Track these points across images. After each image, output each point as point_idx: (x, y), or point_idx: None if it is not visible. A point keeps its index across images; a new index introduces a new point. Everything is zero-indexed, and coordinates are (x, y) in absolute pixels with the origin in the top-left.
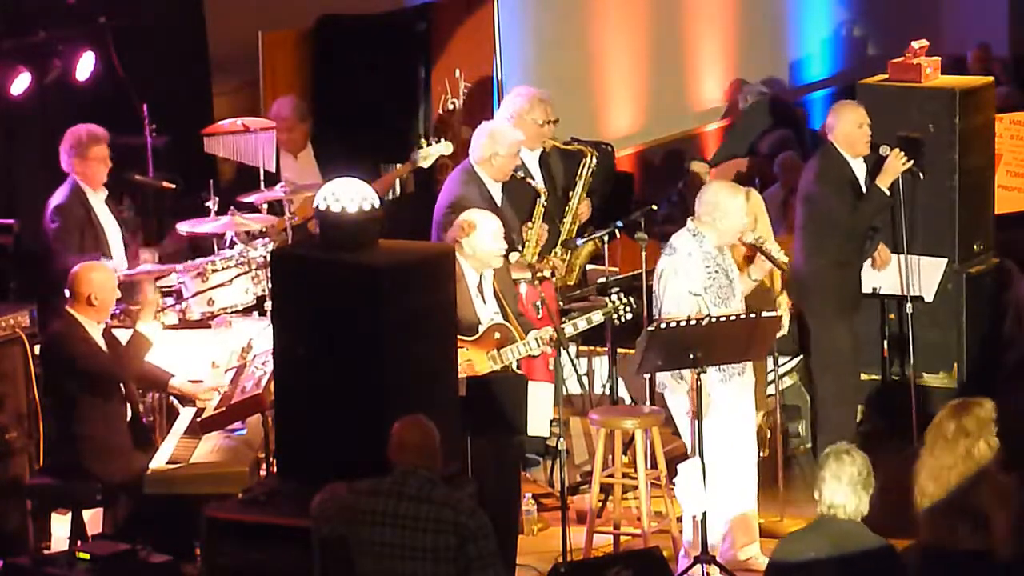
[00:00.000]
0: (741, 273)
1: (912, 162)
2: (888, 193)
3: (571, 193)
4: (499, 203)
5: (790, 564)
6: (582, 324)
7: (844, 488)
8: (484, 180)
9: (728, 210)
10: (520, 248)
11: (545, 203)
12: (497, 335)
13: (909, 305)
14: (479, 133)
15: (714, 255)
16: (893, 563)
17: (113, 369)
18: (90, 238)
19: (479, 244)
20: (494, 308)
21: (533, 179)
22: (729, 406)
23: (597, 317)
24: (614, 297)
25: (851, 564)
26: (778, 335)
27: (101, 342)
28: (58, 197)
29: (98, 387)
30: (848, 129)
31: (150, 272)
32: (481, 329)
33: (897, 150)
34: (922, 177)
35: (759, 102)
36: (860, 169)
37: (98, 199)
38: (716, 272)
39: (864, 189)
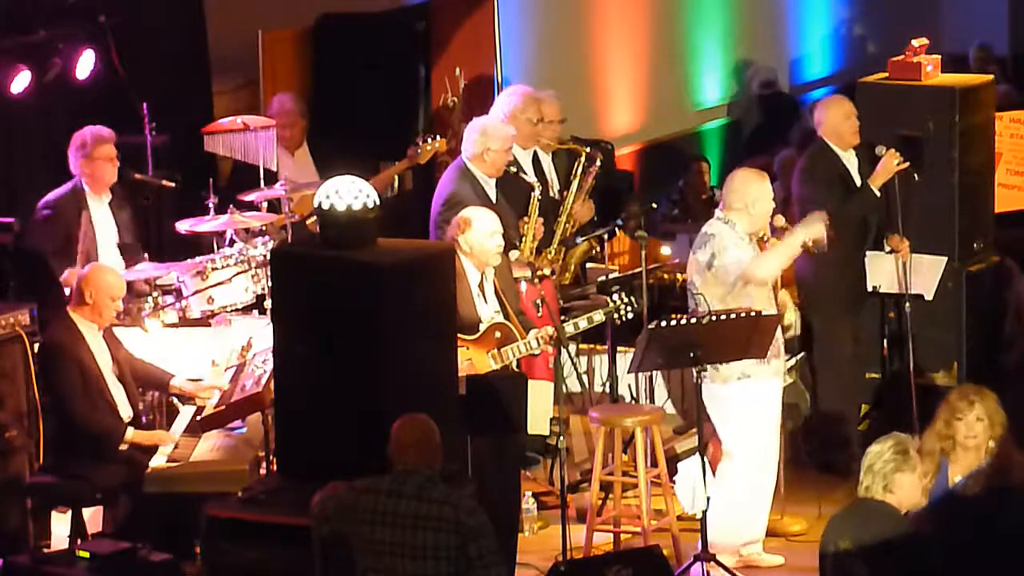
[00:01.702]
0: None
1: (907, 163)
2: (878, 193)
3: (566, 192)
4: (494, 199)
5: (830, 552)
6: (583, 323)
7: (866, 465)
8: (478, 176)
9: (759, 195)
10: (517, 243)
11: (539, 196)
12: (498, 334)
13: (908, 304)
14: (471, 129)
15: (746, 241)
16: (919, 549)
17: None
18: (73, 237)
19: (475, 240)
20: (495, 307)
21: (526, 173)
22: (768, 395)
23: (599, 316)
24: (615, 296)
25: (875, 547)
26: (788, 335)
27: (100, 346)
28: (54, 193)
29: (93, 391)
30: (836, 121)
31: (146, 273)
32: (482, 328)
33: (892, 150)
34: (916, 178)
35: (760, 97)
36: (852, 162)
37: (98, 202)
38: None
39: (857, 182)
